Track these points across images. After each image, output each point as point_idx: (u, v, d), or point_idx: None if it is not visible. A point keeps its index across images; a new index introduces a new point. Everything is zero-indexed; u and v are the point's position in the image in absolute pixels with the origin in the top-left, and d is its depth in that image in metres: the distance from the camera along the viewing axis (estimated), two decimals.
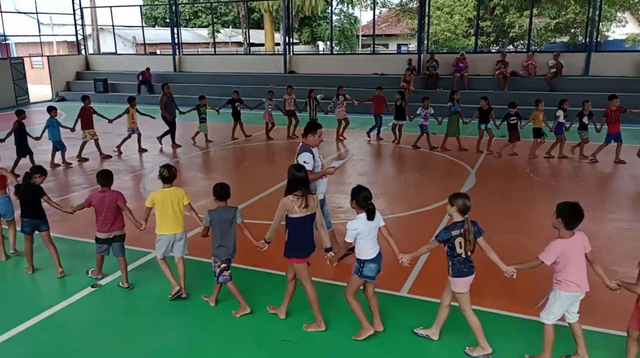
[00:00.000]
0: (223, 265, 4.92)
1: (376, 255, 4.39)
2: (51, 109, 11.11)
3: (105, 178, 5.52)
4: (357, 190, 4.36)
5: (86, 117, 11.69)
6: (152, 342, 4.66)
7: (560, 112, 11.06)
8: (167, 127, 13.07)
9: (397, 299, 5.28)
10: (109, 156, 12.04)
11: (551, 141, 11.30)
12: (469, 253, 4.18)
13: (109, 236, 5.53)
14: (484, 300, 5.00)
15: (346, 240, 4.39)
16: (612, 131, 10.69)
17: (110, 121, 12.27)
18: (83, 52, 26.89)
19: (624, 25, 37.22)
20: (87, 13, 28.08)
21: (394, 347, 4.50)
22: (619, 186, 9.58)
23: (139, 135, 12.59)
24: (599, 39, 24.27)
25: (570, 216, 3.95)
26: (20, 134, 10.39)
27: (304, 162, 5.47)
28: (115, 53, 28.16)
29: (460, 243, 4.11)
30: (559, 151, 11.28)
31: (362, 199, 4.30)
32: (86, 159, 11.71)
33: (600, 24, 25.18)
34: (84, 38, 27.07)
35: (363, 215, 4.32)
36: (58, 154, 11.20)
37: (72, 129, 11.31)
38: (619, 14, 34.67)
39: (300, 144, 5.82)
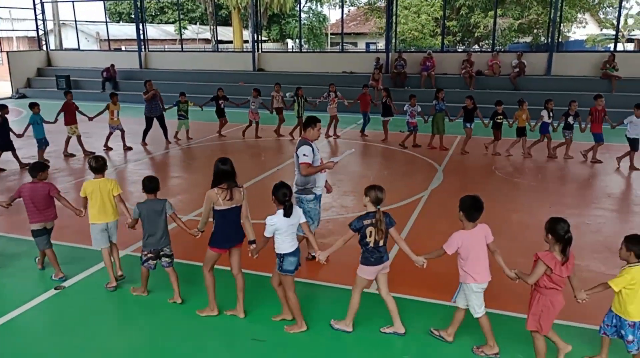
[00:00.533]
0: (150, 255, 5.11)
1: (294, 250, 4.51)
2: (34, 106, 10.88)
3: (34, 170, 5.59)
4: (276, 187, 4.47)
5: (69, 113, 11.55)
6: (117, 345, 4.57)
7: (544, 112, 11.19)
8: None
9: (366, 296, 5.31)
10: (93, 153, 11.71)
11: (532, 139, 11.50)
12: (380, 243, 4.35)
13: (45, 225, 5.65)
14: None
15: (265, 235, 4.49)
16: (595, 131, 10.82)
17: (91, 119, 11.99)
18: (44, 48, 26.08)
19: (584, 26, 38.45)
20: (48, 8, 27.24)
21: (363, 343, 4.53)
22: (582, 183, 9.85)
23: (122, 132, 12.30)
24: (560, 40, 24.99)
25: (471, 208, 4.12)
26: (2, 128, 10.23)
27: (304, 155, 5.53)
28: (78, 49, 27.40)
29: (370, 232, 4.29)
30: (548, 151, 11.34)
31: (281, 195, 4.42)
32: (73, 155, 11.62)
33: (562, 25, 25.91)
34: (45, 33, 26.26)
35: (281, 211, 4.44)
36: (38, 150, 11.00)
37: (54, 121, 11.19)
38: (579, 15, 35.79)
39: (300, 138, 5.86)
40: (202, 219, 4.84)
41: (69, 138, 11.68)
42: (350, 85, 15.57)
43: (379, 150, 12.45)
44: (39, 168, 5.62)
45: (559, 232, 3.80)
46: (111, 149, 12.31)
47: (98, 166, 5.43)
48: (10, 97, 22.89)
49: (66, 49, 28.90)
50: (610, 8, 36.63)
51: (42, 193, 5.56)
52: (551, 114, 11.21)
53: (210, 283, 4.86)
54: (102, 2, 30.00)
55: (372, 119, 13.90)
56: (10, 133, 10.46)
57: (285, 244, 4.47)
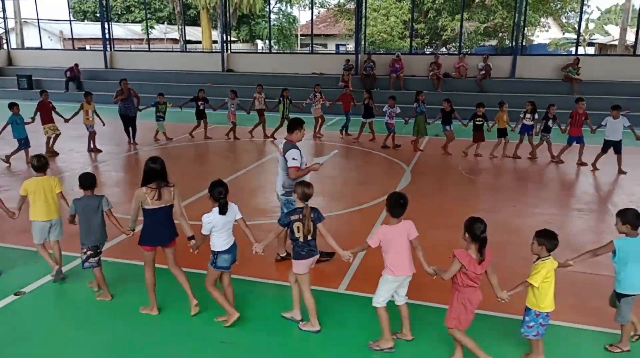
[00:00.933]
0: (89, 252, 5.12)
1: (229, 247, 4.61)
2: (13, 106, 10.63)
3: None
4: (213, 185, 4.53)
5: (46, 112, 11.36)
6: (82, 351, 4.45)
7: (535, 115, 11.36)
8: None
9: (335, 296, 5.34)
10: (57, 153, 11.64)
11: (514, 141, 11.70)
12: (309, 238, 4.48)
13: None
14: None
15: (202, 232, 4.56)
16: (574, 134, 10.92)
17: (67, 120, 11.73)
18: (5, 46, 25.28)
19: (547, 30, 39.52)
20: (9, 5, 26.42)
21: (331, 343, 4.54)
22: (548, 183, 10.07)
23: (94, 134, 12.05)
24: (524, 43, 25.60)
25: (395, 205, 4.23)
26: None
27: (293, 159, 5.53)
28: (40, 48, 26.65)
29: (298, 227, 4.42)
30: (550, 156, 11.37)
31: (216, 193, 4.49)
32: (56, 153, 11.52)
33: (526, 28, 26.58)
34: (6, 32, 25.45)
35: (217, 209, 4.51)
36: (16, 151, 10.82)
37: (32, 120, 11.02)
38: (542, 20, 36.76)
39: (285, 141, 5.75)
40: (132, 218, 4.84)
41: (48, 138, 11.50)
42: (320, 86, 15.61)
43: (349, 151, 12.51)
44: None
45: (475, 232, 3.88)
46: (100, 151, 12.06)
47: (40, 165, 5.52)
48: None
49: (28, 48, 28.11)
50: (572, 13, 37.76)
51: None
52: (534, 117, 11.37)
53: (150, 283, 4.88)
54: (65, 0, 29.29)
55: (353, 120, 14.01)
56: None
57: (220, 241, 4.55)
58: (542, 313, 4.09)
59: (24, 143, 10.72)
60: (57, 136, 11.65)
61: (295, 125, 5.75)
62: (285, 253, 6.09)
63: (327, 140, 13.56)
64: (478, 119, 11.61)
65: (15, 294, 5.34)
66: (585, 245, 6.68)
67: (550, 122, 11.30)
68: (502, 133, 11.63)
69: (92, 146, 12.11)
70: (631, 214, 4.27)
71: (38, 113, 11.36)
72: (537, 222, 7.61)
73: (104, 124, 12.19)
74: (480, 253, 3.90)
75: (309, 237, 4.50)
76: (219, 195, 4.49)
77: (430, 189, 9.42)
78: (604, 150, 10.49)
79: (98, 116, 12.06)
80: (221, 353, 4.41)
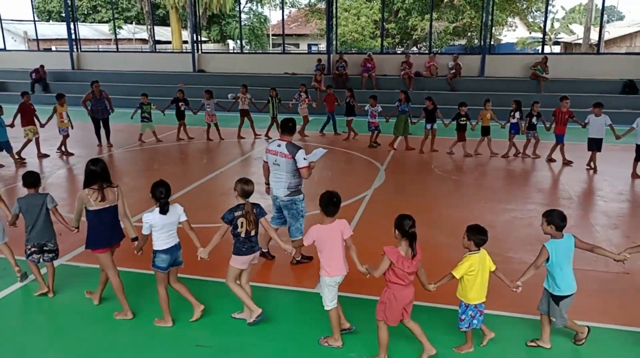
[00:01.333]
0: (34, 249, 5.18)
1: (168, 247, 4.59)
2: None
3: None
4: (155, 185, 4.54)
5: (27, 114, 11.12)
6: (55, 356, 4.35)
7: (517, 113, 11.43)
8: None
9: (314, 296, 5.34)
10: (47, 155, 11.51)
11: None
12: (252, 233, 4.58)
13: None
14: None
15: (142, 232, 4.60)
16: (558, 132, 10.97)
17: (43, 125, 11.46)
18: None
19: (514, 30, 40.41)
20: None
21: (310, 343, 4.55)
22: (520, 180, 10.25)
23: (66, 137, 11.81)
24: (492, 42, 26.10)
25: (328, 204, 4.30)
26: None
27: (304, 159, 5.52)
28: (4, 49, 25.87)
29: (242, 223, 4.50)
30: (522, 150, 11.57)
31: (157, 193, 4.50)
32: (47, 155, 11.49)
33: (493, 28, 27.09)
34: None
35: (157, 209, 4.53)
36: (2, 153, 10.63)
37: (12, 125, 10.78)
38: (509, 19, 37.54)
39: (286, 143, 5.63)
40: (75, 218, 4.91)
41: (27, 141, 11.25)
42: (292, 86, 15.64)
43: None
44: None
45: (404, 228, 3.93)
46: (72, 154, 11.83)
47: None
48: None
49: None
50: (538, 12, 38.69)
51: None
52: (520, 116, 11.44)
53: (117, 286, 4.86)
54: None
55: (337, 120, 14.15)
56: None
57: (159, 241, 4.56)
58: (471, 305, 4.23)
59: (4, 146, 10.50)
60: (37, 138, 11.40)
61: (293, 127, 5.77)
62: (300, 257, 6.07)
63: (310, 140, 13.52)
64: (462, 118, 11.65)
65: None
66: None
67: (534, 120, 11.34)
68: (485, 131, 11.71)
69: (64, 149, 11.84)
70: (556, 215, 4.22)
71: (19, 115, 11.11)
72: (510, 218, 7.79)
73: (72, 127, 11.93)
74: (411, 248, 3.95)
75: (252, 233, 4.58)
76: (160, 195, 4.50)
77: (404, 188, 9.51)
78: (590, 148, 10.50)
79: (69, 118, 11.82)
80: (196, 356, 4.37)
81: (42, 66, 21.16)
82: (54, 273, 5.33)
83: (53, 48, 32.50)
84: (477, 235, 4.15)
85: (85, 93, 12.59)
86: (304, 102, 13.88)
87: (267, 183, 6.02)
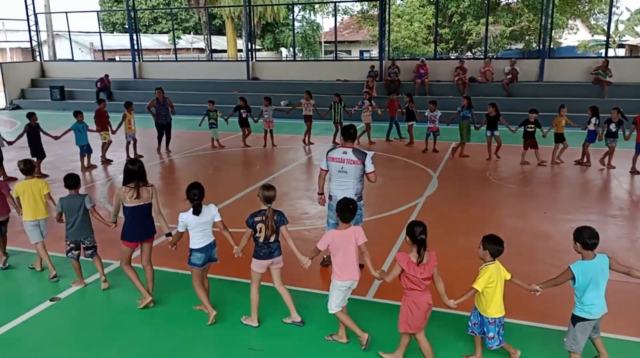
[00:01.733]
0: (72, 245, 5.60)
1: (203, 246, 4.84)
2: (78, 114, 11.20)
3: None
4: (189, 187, 4.79)
5: (102, 120, 11.89)
6: (111, 356, 4.54)
7: (594, 119, 10.92)
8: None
9: (362, 303, 5.33)
10: (111, 161, 12.14)
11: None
12: (270, 239, 4.67)
13: None
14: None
15: (178, 230, 4.87)
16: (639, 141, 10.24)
17: (114, 132, 12.21)
18: (38, 58, 26.06)
19: (576, 33, 38.82)
20: (41, 19, 27.31)
21: (361, 352, 4.52)
22: (580, 190, 9.80)
23: (135, 141, 12.50)
24: (552, 46, 25.20)
25: (344, 210, 4.37)
26: (33, 136, 10.67)
27: (372, 164, 5.65)
28: (72, 60, 27.41)
29: (260, 228, 4.62)
30: (601, 159, 10.97)
31: (191, 195, 4.75)
32: (110, 161, 12.09)
33: (553, 31, 26.14)
34: (39, 44, 26.23)
35: (191, 210, 4.77)
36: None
37: (97, 130, 11.73)
38: (570, 22, 36.13)
39: (352, 149, 5.64)
40: (113, 213, 5.40)
41: (103, 144, 12.00)
42: (343, 93, 15.66)
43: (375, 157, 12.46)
44: None
45: (414, 234, 3.95)
46: (142, 156, 12.33)
47: (26, 168, 6.06)
48: (4, 109, 22.85)
49: (60, 60, 28.94)
50: (601, 14, 37.01)
51: None
52: (597, 123, 10.90)
53: (133, 276, 5.25)
54: (95, 12, 30.09)
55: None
56: (48, 138, 10.94)
57: (194, 240, 4.83)
58: (495, 319, 4.10)
59: (85, 150, 11.25)
60: (110, 143, 12.14)
61: (354, 132, 5.79)
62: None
63: (376, 148, 13.48)
64: (530, 125, 11.19)
65: (50, 300, 5.49)
66: (619, 253, 6.53)
67: (612, 127, 10.67)
68: (559, 138, 11.20)
69: (134, 153, 12.44)
70: (586, 233, 3.93)
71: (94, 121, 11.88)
72: (570, 229, 7.45)
73: (114, 132, 12.34)
74: (419, 255, 3.95)
75: (271, 239, 4.67)
76: (194, 197, 4.74)
77: (457, 196, 9.31)
78: None
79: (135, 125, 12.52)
80: None
81: (106, 75, 22.23)
82: (102, 264, 5.76)
83: (117, 58, 34.13)
84: (493, 245, 4.07)
85: (149, 100, 13.16)
86: (367, 110, 13.76)
87: (321, 193, 5.99)
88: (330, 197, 5.78)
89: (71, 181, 5.59)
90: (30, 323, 5.07)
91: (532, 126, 11.15)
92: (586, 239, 3.91)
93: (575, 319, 4.01)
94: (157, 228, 5.41)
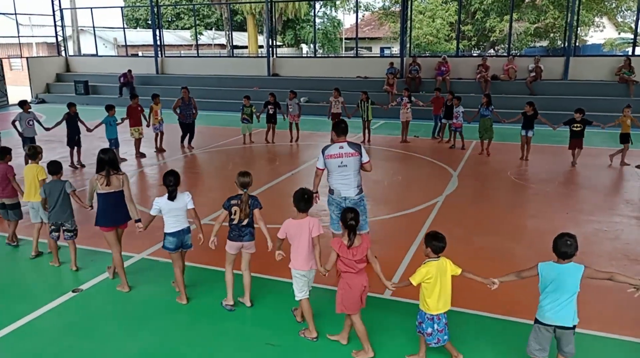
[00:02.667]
0: (52, 227, 6.00)
1: (176, 231, 5.10)
2: (110, 108, 11.39)
3: (1, 153, 6.73)
4: (165, 175, 5.05)
5: (134, 116, 12.08)
6: (132, 347, 4.61)
7: None
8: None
9: (380, 301, 5.31)
10: (144, 155, 12.38)
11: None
12: (244, 222, 4.93)
13: (3, 201, 6.70)
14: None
15: (150, 213, 5.15)
16: None
17: (148, 125, 12.48)
18: (63, 53, 26.52)
19: (602, 30, 37.97)
20: (67, 14, 27.72)
21: (375, 349, 4.52)
22: (603, 191, 9.61)
23: (162, 134, 12.76)
24: (577, 44, 24.70)
25: (300, 200, 4.54)
26: (71, 125, 10.98)
27: (367, 154, 5.78)
28: (96, 55, 27.81)
29: (235, 211, 4.90)
30: None
31: (167, 182, 5.03)
32: (143, 155, 12.33)
33: (579, 28, 25.63)
34: (64, 39, 26.69)
35: (166, 195, 5.04)
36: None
37: (122, 121, 11.75)
38: (596, 19, 35.36)
39: (347, 143, 5.70)
40: (88, 197, 5.81)
41: (136, 140, 12.21)
42: (363, 90, 15.57)
43: (395, 155, 12.41)
44: (4, 152, 6.73)
45: (345, 220, 4.19)
46: (164, 150, 12.77)
47: (31, 153, 6.57)
48: (30, 102, 23.27)
49: (84, 55, 29.38)
50: (629, 12, 36.15)
51: (1, 173, 6.59)
52: None
53: (118, 263, 5.60)
54: (119, 8, 30.47)
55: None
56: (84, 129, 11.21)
57: (167, 224, 5.11)
58: (433, 316, 4.10)
59: (114, 143, 11.40)
60: (140, 139, 12.32)
61: (345, 126, 5.83)
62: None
63: (382, 145, 13.45)
64: (576, 125, 10.84)
65: (73, 291, 5.59)
66: None
67: None
68: (625, 138, 10.80)
69: (155, 147, 12.71)
70: (560, 242, 3.76)
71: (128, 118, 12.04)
72: (593, 230, 7.34)
73: (147, 126, 12.52)
74: (349, 238, 4.17)
75: (244, 222, 4.93)
76: (169, 183, 5.01)
77: (477, 195, 9.22)
78: None
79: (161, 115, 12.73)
80: (264, 355, 4.47)
81: (129, 71, 22.50)
82: (75, 250, 6.09)
83: (140, 54, 34.50)
84: (433, 242, 4.10)
85: (171, 94, 13.30)
86: (405, 107, 13.49)
87: (316, 191, 5.92)
88: (332, 191, 5.81)
89: (53, 167, 5.97)
90: (53, 314, 5.18)
91: (579, 125, 10.81)
92: (559, 248, 3.77)
93: (535, 321, 3.95)
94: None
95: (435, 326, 4.14)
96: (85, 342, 4.70)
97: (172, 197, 5.03)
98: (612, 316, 4.96)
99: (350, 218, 4.18)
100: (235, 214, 4.91)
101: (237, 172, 4.99)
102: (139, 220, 5.44)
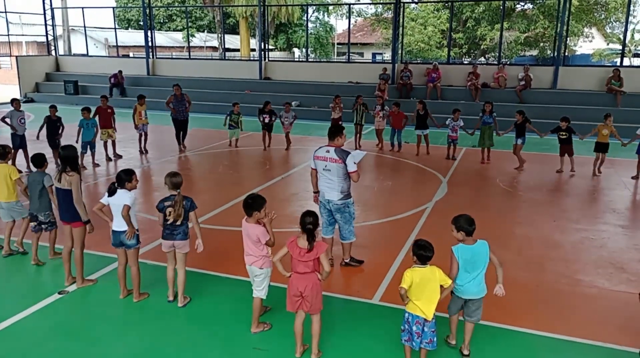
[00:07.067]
0: (29, 217, 6.17)
1: (114, 229, 5.21)
2: (84, 110, 11.11)
3: None
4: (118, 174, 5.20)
5: (104, 117, 11.83)
6: (117, 350, 4.57)
7: None
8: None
9: (368, 307, 5.31)
10: (120, 156, 12.25)
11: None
12: (177, 223, 5.07)
13: None
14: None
15: (101, 201, 5.24)
16: None
17: (136, 127, 12.39)
18: (53, 53, 26.32)
19: (591, 41, 38.50)
20: (57, 13, 27.54)
21: (361, 354, 4.51)
22: (590, 199, 9.72)
23: (146, 135, 12.62)
24: (566, 54, 25.01)
25: (244, 205, 4.64)
26: (50, 129, 10.87)
27: (354, 163, 5.71)
28: (86, 55, 27.64)
29: (170, 211, 5.05)
30: None
31: (116, 177, 5.18)
32: (120, 156, 12.22)
33: (568, 39, 25.96)
34: (55, 39, 26.50)
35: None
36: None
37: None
38: (586, 30, 35.81)
39: (334, 148, 5.74)
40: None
41: (105, 142, 11.93)
42: (354, 95, 15.61)
43: (386, 161, 12.45)
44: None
45: (303, 223, 4.21)
46: (147, 152, 12.68)
47: (1, 152, 6.41)
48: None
49: (75, 55, 29.19)
50: (617, 23, 36.67)
51: None
52: None
53: (78, 259, 5.66)
54: (111, 8, 30.31)
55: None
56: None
57: (113, 221, 5.26)
58: (411, 315, 4.12)
59: (88, 146, 11.12)
60: (113, 141, 12.05)
61: (337, 131, 5.83)
62: (349, 259, 6.16)
63: (372, 151, 13.46)
64: (562, 133, 10.97)
65: (59, 293, 5.53)
66: (629, 263, 6.47)
67: None
68: (599, 148, 10.82)
69: (139, 148, 12.57)
70: (463, 220, 4.25)
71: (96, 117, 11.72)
72: (580, 239, 7.40)
73: (136, 127, 12.46)
74: (308, 243, 4.18)
75: (178, 222, 5.06)
76: (113, 183, 5.20)
77: (466, 201, 9.27)
78: None
79: (146, 116, 12.63)
80: None
81: (120, 71, 22.39)
82: (37, 244, 6.21)
83: (131, 54, 34.33)
84: (419, 251, 4.14)
85: (161, 97, 13.26)
86: (378, 115, 13.41)
87: (316, 191, 6.05)
88: (318, 191, 5.94)
89: (36, 160, 6.18)
90: (38, 316, 5.12)
91: (565, 133, 10.95)
92: (467, 226, 4.24)
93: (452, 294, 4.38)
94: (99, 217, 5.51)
95: (410, 328, 4.15)
96: (70, 343, 4.64)
97: (110, 192, 5.15)
98: (598, 323, 5.01)
99: (308, 222, 4.19)
100: (169, 215, 5.03)
101: (166, 174, 5.10)
102: (88, 221, 5.52)
